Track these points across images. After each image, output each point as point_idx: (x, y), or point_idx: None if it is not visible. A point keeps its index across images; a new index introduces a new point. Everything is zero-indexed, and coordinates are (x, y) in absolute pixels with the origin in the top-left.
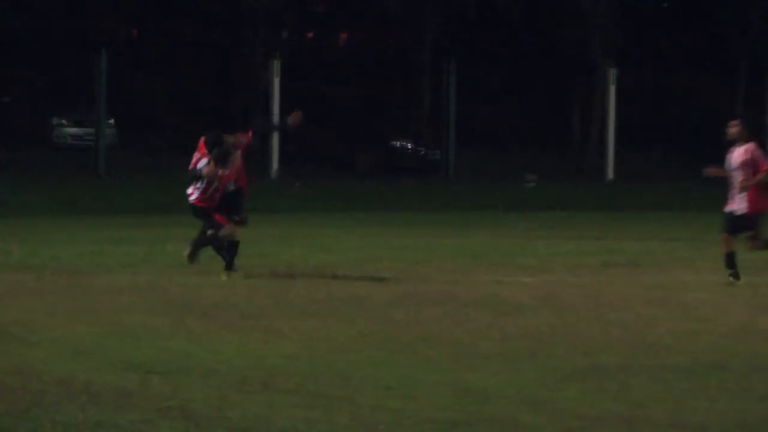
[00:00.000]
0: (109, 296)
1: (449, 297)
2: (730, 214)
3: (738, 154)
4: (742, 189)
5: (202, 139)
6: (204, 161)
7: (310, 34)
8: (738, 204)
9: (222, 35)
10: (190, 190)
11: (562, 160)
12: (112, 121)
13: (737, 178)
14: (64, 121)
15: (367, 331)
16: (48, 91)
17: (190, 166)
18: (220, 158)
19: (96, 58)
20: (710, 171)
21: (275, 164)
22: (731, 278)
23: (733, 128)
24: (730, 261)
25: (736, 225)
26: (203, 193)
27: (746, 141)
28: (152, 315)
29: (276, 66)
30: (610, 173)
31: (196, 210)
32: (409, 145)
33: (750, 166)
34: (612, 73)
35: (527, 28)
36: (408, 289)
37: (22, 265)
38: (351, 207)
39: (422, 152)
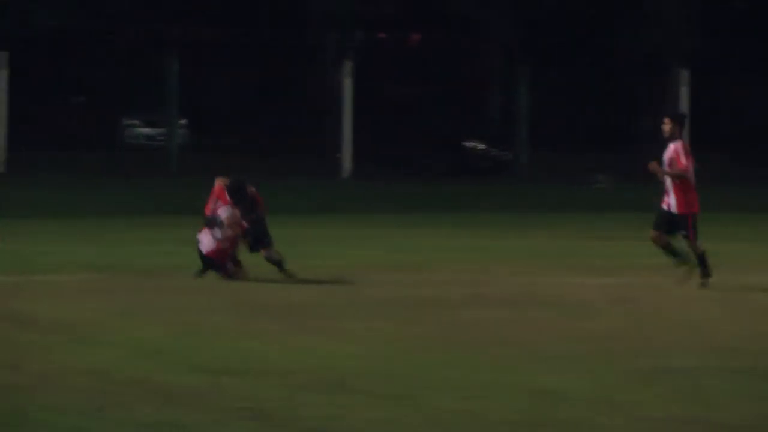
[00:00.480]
0: (182, 297)
1: (521, 298)
2: (666, 211)
3: (667, 152)
4: (662, 178)
5: (220, 184)
6: (225, 209)
7: (383, 35)
8: (670, 202)
9: (294, 36)
10: (203, 238)
11: (632, 161)
12: (184, 121)
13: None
14: (136, 122)
15: (439, 332)
16: (120, 92)
17: (208, 212)
18: (233, 194)
19: (168, 58)
20: (652, 166)
21: (347, 165)
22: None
23: (665, 126)
24: (667, 250)
25: (670, 223)
26: (219, 243)
27: (677, 139)
28: (225, 316)
29: (348, 67)
30: None
31: (204, 260)
32: (482, 146)
33: (673, 164)
34: (683, 75)
35: (599, 28)
36: (480, 290)
37: (95, 265)
38: (423, 208)
39: (494, 153)
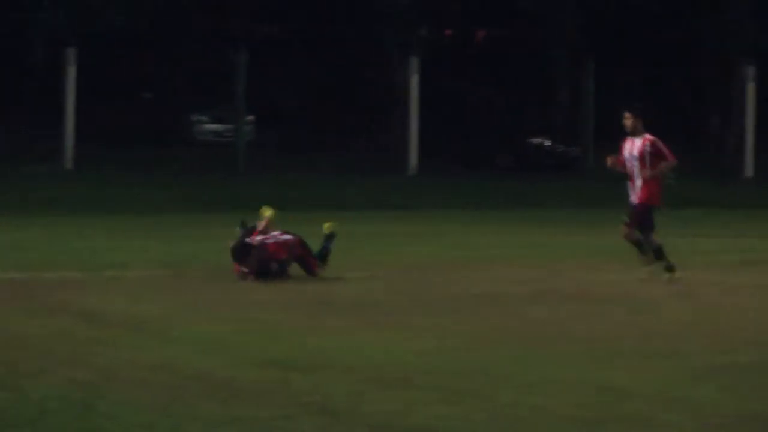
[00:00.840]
0: (249, 293)
1: (586, 294)
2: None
3: (635, 146)
4: (650, 177)
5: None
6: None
7: (449, 32)
8: (635, 195)
9: (361, 33)
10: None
11: (700, 157)
12: (251, 117)
13: (635, 169)
14: (203, 118)
15: (504, 328)
16: (188, 88)
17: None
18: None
19: (236, 55)
20: (610, 160)
21: (413, 161)
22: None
23: (627, 120)
24: (638, 248)
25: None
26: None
27: (642, 133)
28: (291, 312)
29: (414, 63)
30: (749, 171)
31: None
32: (547, 143)
33: (648, 157)
34: (750, 71)
35: (665, 25)
36: (545, 286)
37: (162, 261)
38: (489, 204)
39: (560, 149)
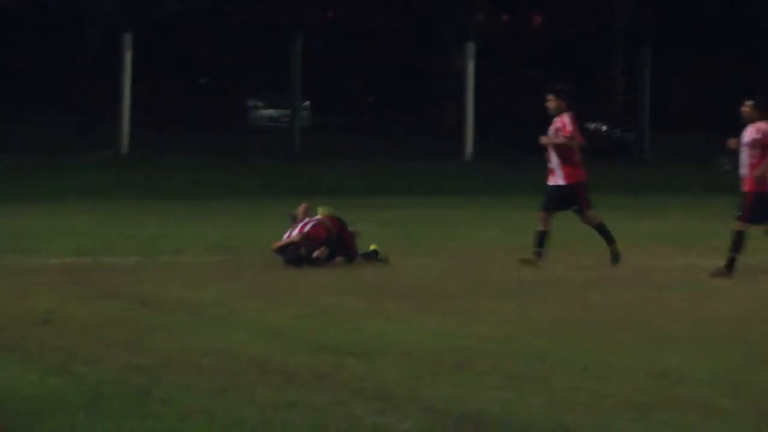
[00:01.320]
0: (305, 278)
1: (644, 280)
2: (554, 187)
3: (553, 125)
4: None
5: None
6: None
7: (505, 17)
8: (557, 177)
9: (417, 17)
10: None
11: None
12: (307, 103)
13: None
14: (260, 103)
15: (562, 313)
16: (244, 74)
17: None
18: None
19: (291, 40)
20: (545, 139)
21: (469, 147)
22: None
23: (551, 103)
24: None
25: (560, 199)
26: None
27: (560, 113)
28: (347, 296)
29: (471, 49)
30: None
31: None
32: (604, 128)
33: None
34: None
35: (722, 8)
36: (603, 272)
37: (220, 246)
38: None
39: (617, 135)
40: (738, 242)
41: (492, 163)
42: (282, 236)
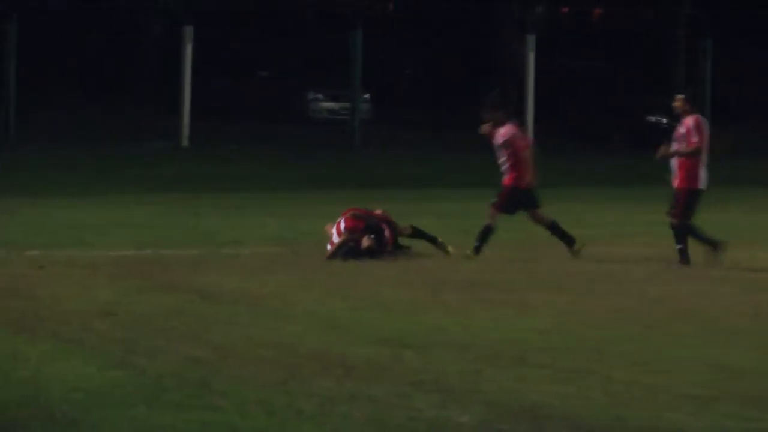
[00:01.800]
0: (364, 270)
1: (704, 273)
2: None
3: (498, 135)
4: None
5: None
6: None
7: (565, 9)
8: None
9: (476, 10)
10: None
11: None
12: (367, 95)
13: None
14: (320, 96)
15: (621, 306)
16: (304, 66)
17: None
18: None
19: (352, 33)
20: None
21: (529, 138)
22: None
23: (485, 119)
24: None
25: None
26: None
27: (503, 124)
28: (407, 289)
29: (531, 41)
30: None
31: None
32: (665, 120)
33: (509, 145)
34: None
35: None
36: (662, 265)
37: (279, 238)
38: (606, 182)
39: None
40: (682, 233)
41: (551, 156)
42: (326, 247)
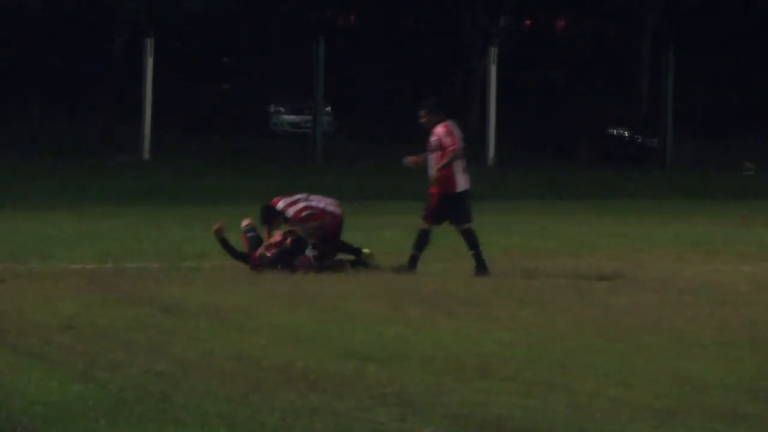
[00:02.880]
0: (327, 283)
1: (668, 285)
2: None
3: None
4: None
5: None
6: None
7: (528, 22)
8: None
9: (439, 22)
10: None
11: None
12: (329, 108)
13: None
14: (281, 109)
15: (585, 318)
16: (266, 79)
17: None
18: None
19: (314, 45)
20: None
21: (491, 152)
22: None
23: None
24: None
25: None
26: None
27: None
28: (370, 302)
29: (494, 53)
30: None
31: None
32: (626, 133)
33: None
34: None
35: (747, 14)
36: (626, 277)
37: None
38: (568, 194)
39: (639, 140)
40: (422, 240)
41: (514, 168)
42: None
